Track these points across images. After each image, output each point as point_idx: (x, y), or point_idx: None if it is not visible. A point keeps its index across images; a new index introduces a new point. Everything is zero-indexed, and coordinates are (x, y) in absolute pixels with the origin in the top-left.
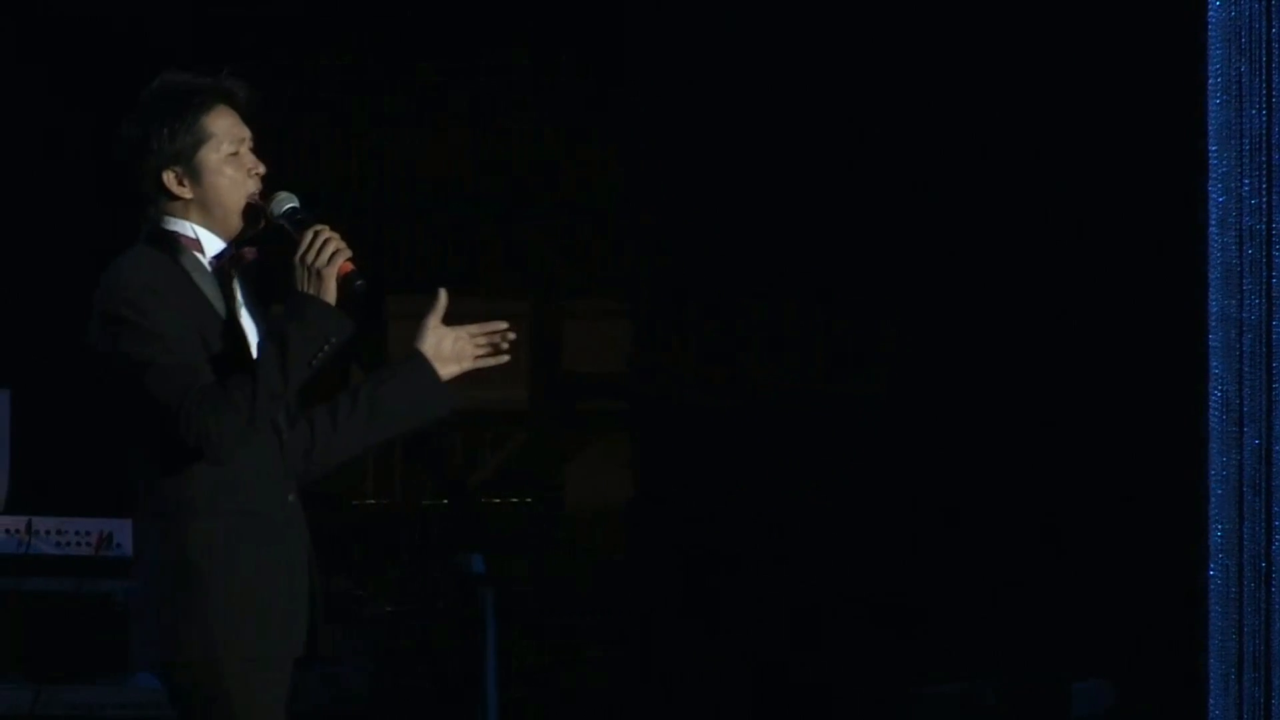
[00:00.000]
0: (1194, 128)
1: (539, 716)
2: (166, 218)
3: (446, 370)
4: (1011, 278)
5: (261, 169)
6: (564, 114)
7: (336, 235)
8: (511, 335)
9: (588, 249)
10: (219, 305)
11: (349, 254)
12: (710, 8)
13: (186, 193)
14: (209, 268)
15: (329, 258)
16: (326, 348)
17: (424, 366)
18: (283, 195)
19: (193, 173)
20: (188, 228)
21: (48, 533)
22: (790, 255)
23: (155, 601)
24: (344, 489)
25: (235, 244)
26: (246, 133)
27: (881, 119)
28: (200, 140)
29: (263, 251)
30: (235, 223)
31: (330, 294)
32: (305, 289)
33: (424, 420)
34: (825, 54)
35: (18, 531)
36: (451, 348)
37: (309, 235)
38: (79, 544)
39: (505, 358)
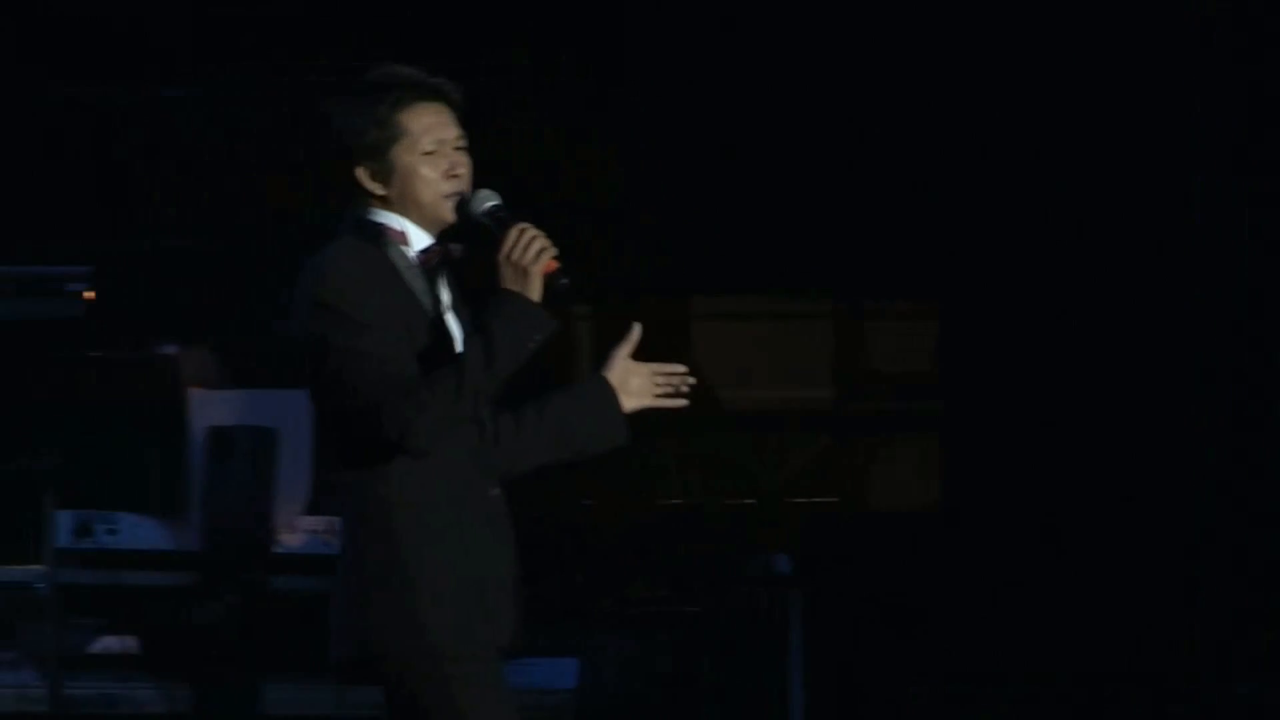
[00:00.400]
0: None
1: (844, 718)
2: (373, 210)
3: (628, 403)
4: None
5: (461, 170)
6: (564, 114)
7: (541, 233)
8: (691, 380)
9: (588, 249)
10: (425, 300)
11: (554, 252)
12: (710, 8)
13: (380, 189)
14: (415, 262)
15: (535, 255)
16: (530, 345)
17: (610, 396)
18: (484, 193)
19: (386, 170)
20: (395, 220)
21: (325, 532)
22: (792, 253)
23: (361, 596)
24: (647, 489)
25: (441, 240)
26: (450, 132)
27: (881, 118)
28: (394, 138)
29: (468, 249)
30: (435, 220)
31: (535, 292)
32: (511, 286)
33: (598, 449)
34: (825, 52)
35: (323, 532)
36: (636, 383)
37: (513, 233)
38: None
39: (683, 402)
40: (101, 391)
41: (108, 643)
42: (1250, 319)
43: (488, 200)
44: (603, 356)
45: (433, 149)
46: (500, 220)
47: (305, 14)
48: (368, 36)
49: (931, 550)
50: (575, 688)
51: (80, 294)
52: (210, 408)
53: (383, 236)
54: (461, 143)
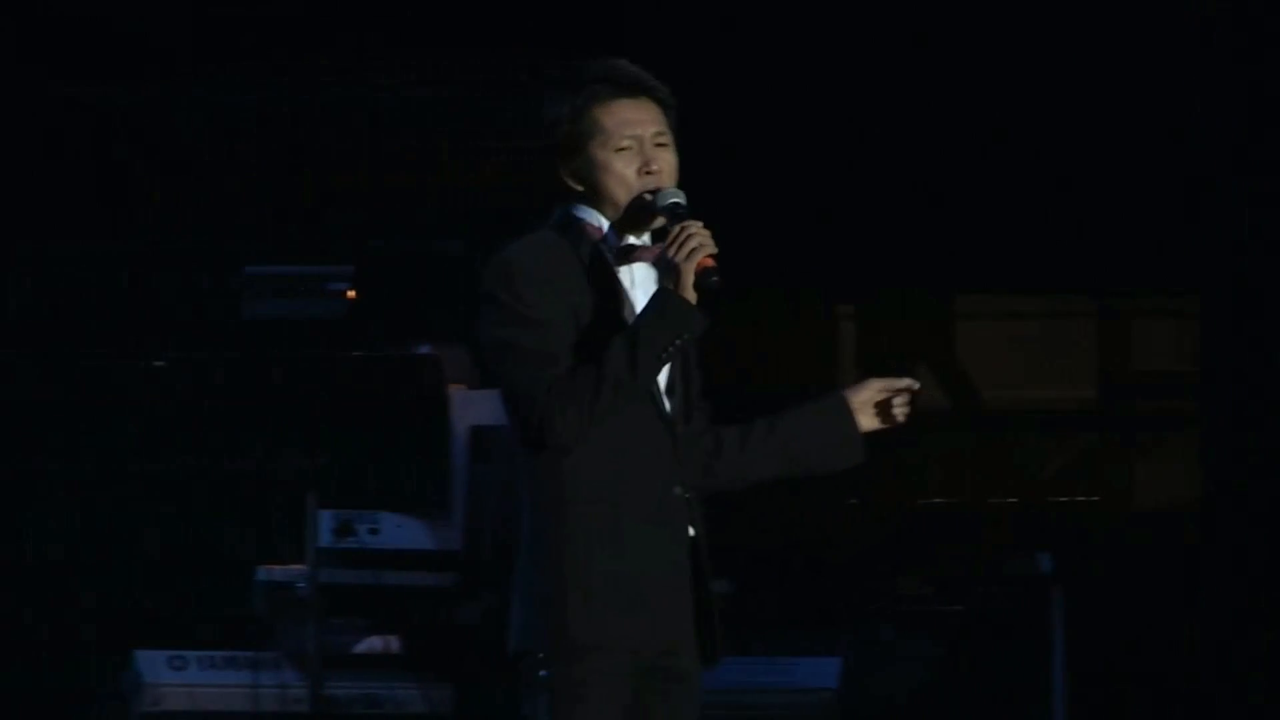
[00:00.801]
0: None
1: (1107, 717)
2: (575, 205)
3: (864, 423)
4: None
5: (656, 166)
6: None
7: (704, 232)
8: (910, 393)
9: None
10: (612, 299)
11: (711, 250)
12: (710, 8)
13: (578, 185)
14: (611, 259)
15: (689, 253)
16: (679, 342)
17: (847, 415)
18: (669, 190)
19: (582, 165)
20: (595, 217)
21: None
22: (1055, 253)
23: (516, 590)
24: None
25: (634, 235)
26: (648, 129)
27: (881, 117)
28: (589, 134)
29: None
30: (630, 216)
31: (687, 289)
32: (665, 283)
33: (832, 468)
34: (825, 52)
35: None
36: (871, 401)
37: (676, 229)
38: None
39: (901, 419)
40: (363, 391)
41: (369, 643)
42: None
43: (670, 197)
44: (867, 355)
45: (627, 145)
46: (677, 217)
47: (304, 14)
48: (364, 36)
49: (1193, 549)
50: (838, 687)
51: (343, 293)
52: (472, 407)
53: (576, 231)
54: (662, 139)
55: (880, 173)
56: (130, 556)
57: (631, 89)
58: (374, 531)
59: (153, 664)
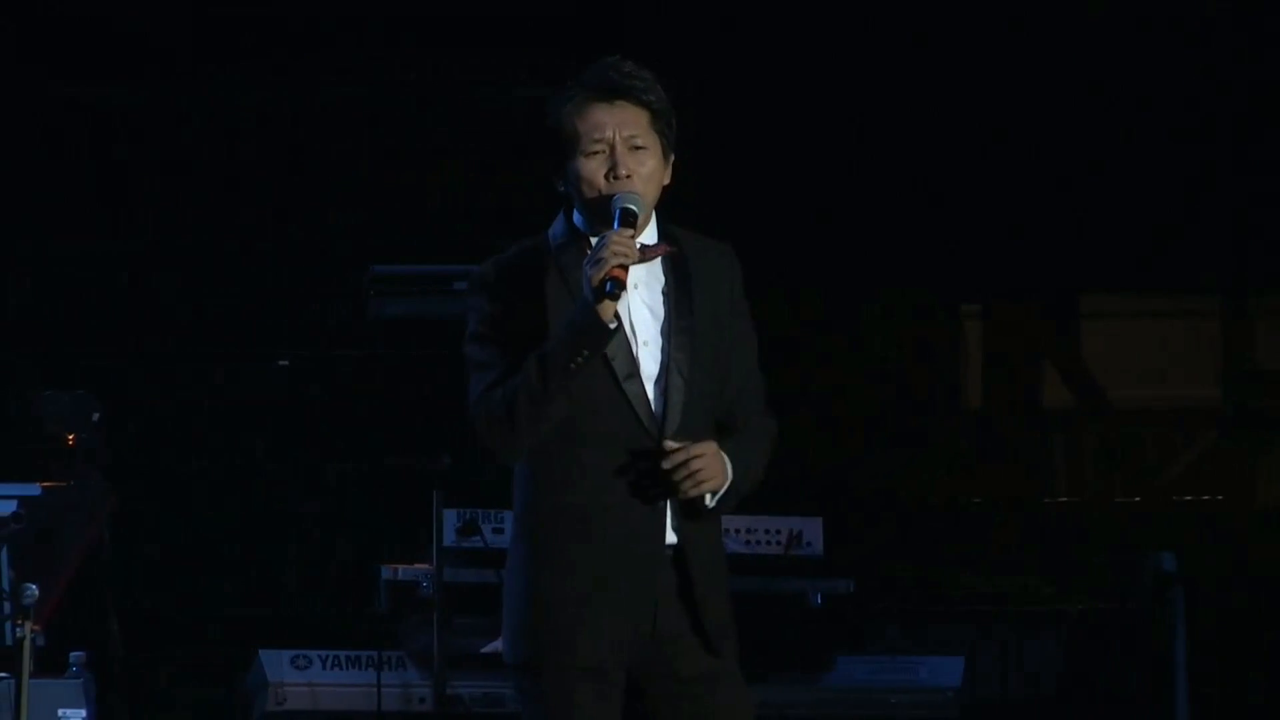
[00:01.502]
0: None
1: (1230, 717)
2: (573, 209)
3: None
4: None
5: (625, 171)
6: None
7: (624, 241)
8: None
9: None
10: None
11: (622, 260)
12: (710, 8)
13: (563, 188)
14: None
15: (598, 262)
16: (586, 353)
17: None
18: (625, 194)
19: (566, 171)
20: (581, 222)
21: (737, 531)
22: (1181, 251)
23: (503, 598)
24: (1036, 486)
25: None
26: (622, 133)
27: (881, 116)
28: (568, 139)
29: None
30: (599, 220)
31: (592, 298)
32: (584, 290)
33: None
34: (825, 51)
35: (743, 531)
36: None
37: (598, 239)
38: (768, 542)
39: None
40: None
41: (492, 642)
42: None
43: (621, 202)
44: (993, 354)
45: (596, 149)
46: (624, 223)
47: (305, 14)
48: (367, 37)
49: None
50: (961, 686)
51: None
52: None
53: (569, 237)
54: (637, 143)
55: (1006, 173)
56: (268, 555)
57: (607, 92)
58: (498, 530)
59: (277, 663)
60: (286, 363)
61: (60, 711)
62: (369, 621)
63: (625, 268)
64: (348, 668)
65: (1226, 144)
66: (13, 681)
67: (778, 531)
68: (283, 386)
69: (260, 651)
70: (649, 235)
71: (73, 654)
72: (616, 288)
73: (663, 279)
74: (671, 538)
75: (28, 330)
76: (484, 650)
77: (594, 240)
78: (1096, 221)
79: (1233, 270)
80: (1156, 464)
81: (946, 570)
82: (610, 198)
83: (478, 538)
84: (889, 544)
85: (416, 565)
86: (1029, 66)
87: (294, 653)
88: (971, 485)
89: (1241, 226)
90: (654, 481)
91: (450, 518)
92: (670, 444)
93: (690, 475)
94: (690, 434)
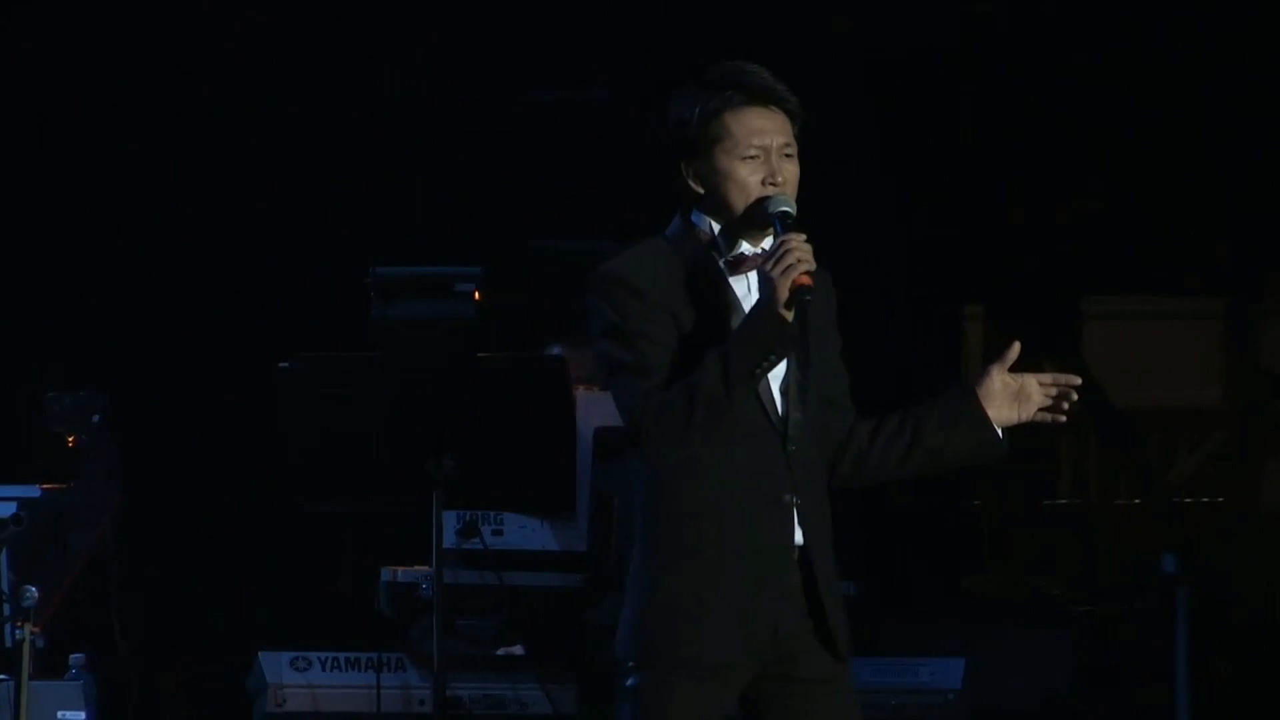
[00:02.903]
0: None
1: (1232, 718)
2: (694, 209)
3: (1001, 414)
4: None
5: (780, 178)
6: None
7: (804, 247)
8: (1077, 390)
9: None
10: (721, 307)
11: (808, 267)
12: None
13: (699, 188)
14: (723, 267)
15: (785, 268)
16: (771, 358)
17: (975, 408)
18: (779, 198)
19: (705, 170)
20: (706, 223)
21: None
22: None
23: (626, 596)
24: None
25: (751, 243)
26: (776, 140)
27: (881, 112)
28: (716, 139)
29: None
30: (745, 225)
31: (780, 305)
32: (763, 296)
33: (970, 460)
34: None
35: None
36: (1004, 390)
37: (776, 243)
38: None
39: (1063, 418)
40: (490, 392)
41: (493, 644)
42: None
43: (780, 205)
44: (992, 356)
45: (754, 154)
46: (784, 228)
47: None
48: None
49: None
50: (962, 687)
51: (471, 294)
52: (597, 408)
53: (691, 239)
54: (789, 151)
55: (1008, 172)
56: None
57: (764, 98)
58: (498, 532)
59: (276, 665)
60: (287, 365)
61: (60, 714)
62: (369, 623)
63: (809, 274)
64: (347, 669)
65: (1230, 144)
66: (12, 684)
67: None
68: (284, 388)
69: (260, 653)
70: (767, 241)
71: (73, 656)
72: (805, 293)
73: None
74: (799, 537)
75: (36, 330)
76: (499, 653)
77: (719, 238)
78: (1100, 223)
79: (1237, 272)
80: (1160, 466)
81: (949, 572)
82: (760, 202)
83: (477, 540)
84: (892, 546)
85: (417, 567)
86: (1031, 62)
87: (293, 654)
88: (975, 487)
89: (1245, 228)
90: (783, 480)
91: (450, 519)
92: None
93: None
94: (810, 431)
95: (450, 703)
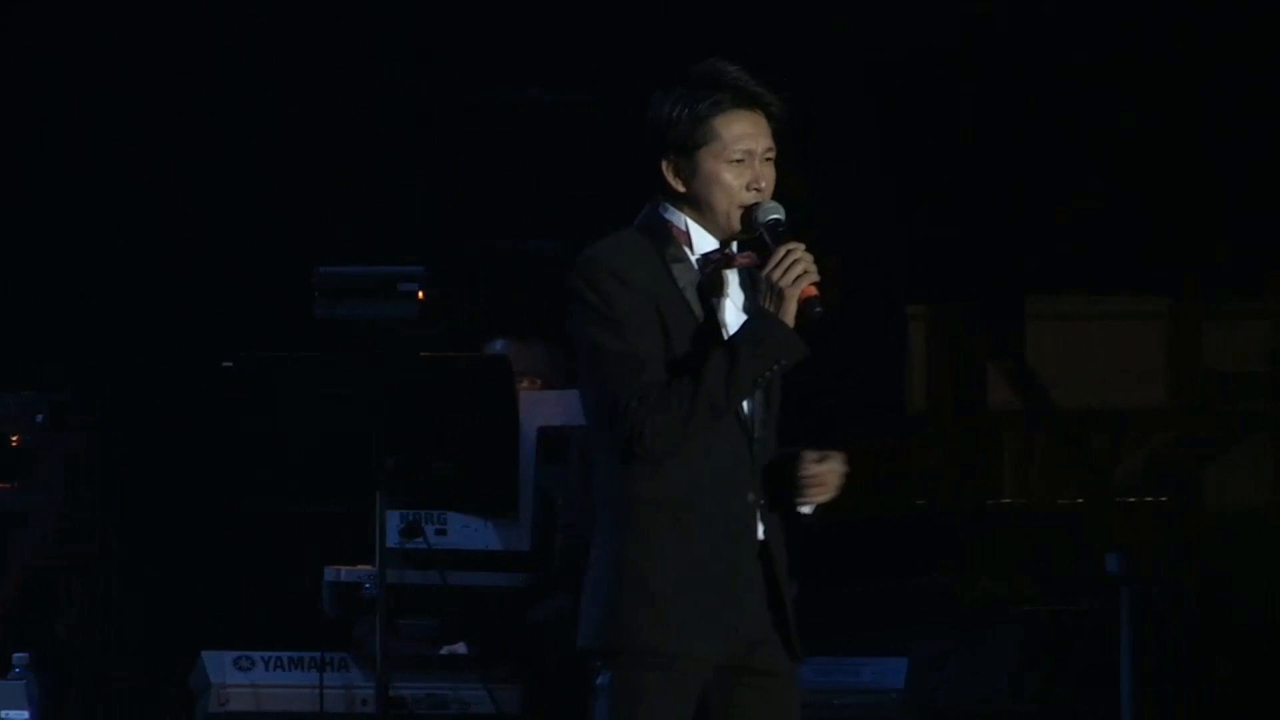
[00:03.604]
0: None
1: (1176, 718)
2: (666, 205)
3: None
4: None
5: (764, 183)
6: None
7: (808, 257)
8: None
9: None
10: (695, 303)
11: (815, 278)
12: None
13: (680, 186)
14: (695, 264)
15: (794, 279)
16: (775, 368)
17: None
18: (770, 205)
19: (689, 169)
20: (681, 220)
21: None
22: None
23: (585, 588)
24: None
25: (726, 246)
26: (762, 145)
27: (948, 117)
28: (703, 140)
29: (758, 258)
30: (727, 226)
31: (789, 314)
32: (766, 305)
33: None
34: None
35: None
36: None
37: (780, 252)
38: None
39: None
40: (433, 391)
41: (436, 643)
42: None
43: (771, 213)
44: (935, 357)
45: (740, 158)
46: (777, 235)
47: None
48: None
49: (1266, 551)
50: (905, 688)
51: (415, 294)
52: (541, 407)
53: (665, 233)
54: (770, 155)
55: (951, 172)
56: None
57: (749, 101)
58: (442, 532)
59: (219, 664)
60: (231, 364)
61: (3, 713)
62: (312, 623)
63: (816, 284)
64: (290, 669)
65: (1173, 144)
66: None
67: None
68: (227, 388)
69: (203, 653)
70: (712, 244)
71: (16, 655)
72: (815, 304)
73: (742, 286)
74: (761, 534)
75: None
76: (443, 652)
77: (693, 234)
78: (1043, 223)
79: (1179, 272)
80: (1103, 466)
81: (891, 572)
82: (747, 208)
83: (421, 539)
84: (835, 545)
85: (360, 567)
86: (980, 62)
87: (237, 654)
88: (917, 487)
89: (1188, 228)
90: (748, 477)
91: (394, 519)
92: (813, 466)
93: (821, 485)
94: (771, 433)
95: (394, 702)
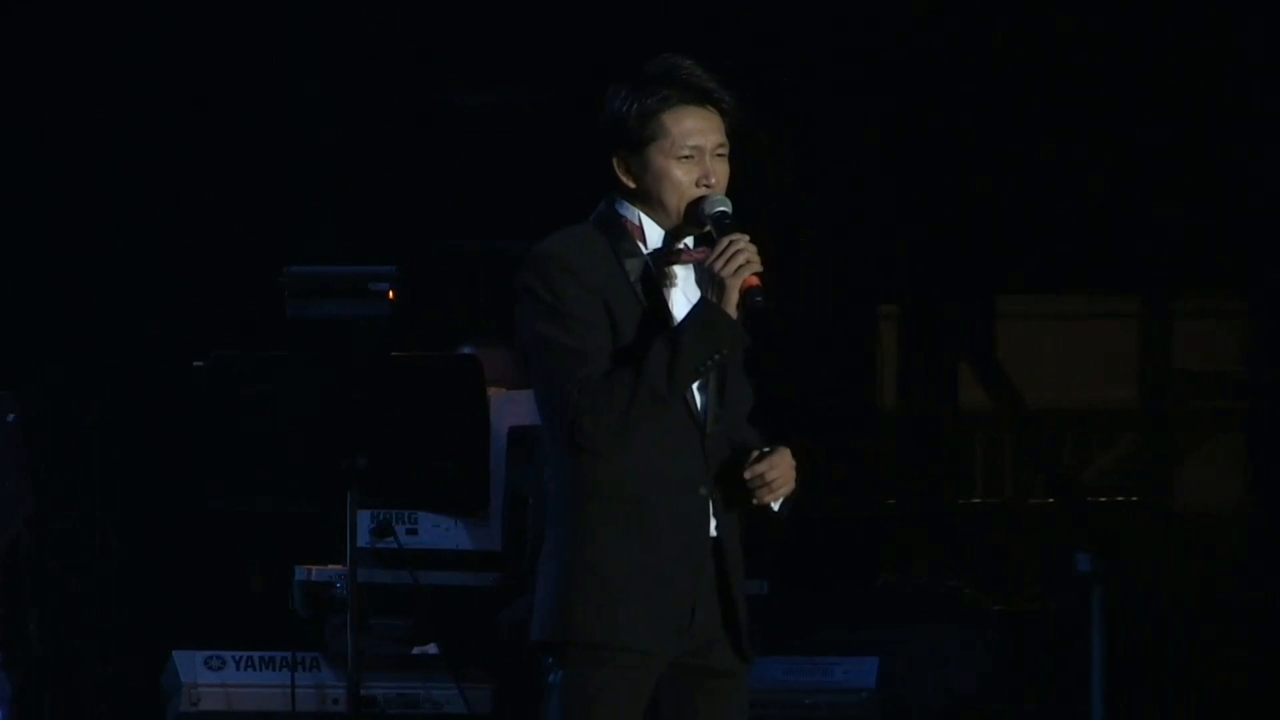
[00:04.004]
0: None
1: (1143, 717)
2: (620, 200)
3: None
4: None
5: (713, 179)
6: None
7: (750, 248)
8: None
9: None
10: (644, 297)
11: (757, 268)
12: None
13: (630, 182)
14: (647, 258)
15: (736, 268)
16: (717, 357)
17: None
18: (717, 198)
19: (638, 165)
20: (634, 214)
21: None
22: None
23: (541, 582)
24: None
25: (677, 240)
26: (712, 141)
27: (920, 118)
28: (652, 136)
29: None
30: (677, 221)
31: (730, 304)
32: (709, 295)
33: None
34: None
35: None
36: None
37: (723, 243)
38: None
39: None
40: (404, 391)
41: (407, 643)
42: None
43: (717, 205)
44: (906, 356)
45: (689, 154)
46: (722, 227)
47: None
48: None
49: (1236, 549)
50: (876, 686)
51: (385, 294)
52: (511, 408)
53: (618, 228)
54: (722, 151)
55: (923, 172)
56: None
57: (701, 97)
58: (413, 532)
59: (190, 664)
60: (202, 364)
61: None
62: (283, 622)
63: (759, 274)
64: (262, 668)
65: (1143, 145)
66: None
67: None
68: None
69: (174, 653)
70: (690, 237)
71: None
72: (756, 294)
73: (698, 281)
74: (714, 530)
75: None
76: (414, 652)
77: (646, 230)
78: (1013, 223)
79: (1149, 271)
80: (1074, 464)
81: (863, 571)
82: (694, 202)
83: (392, 539)
84: (805, 544)
85: (331, 566)
86: (949, 65)
87: (208, 653)
88: (888, 486)
89: (1158, 227)
90: (700, 473)
91: (365, 519)
92: (758, 466)
93: (767, 484)
94: (728, 427)
95: (365, 702)
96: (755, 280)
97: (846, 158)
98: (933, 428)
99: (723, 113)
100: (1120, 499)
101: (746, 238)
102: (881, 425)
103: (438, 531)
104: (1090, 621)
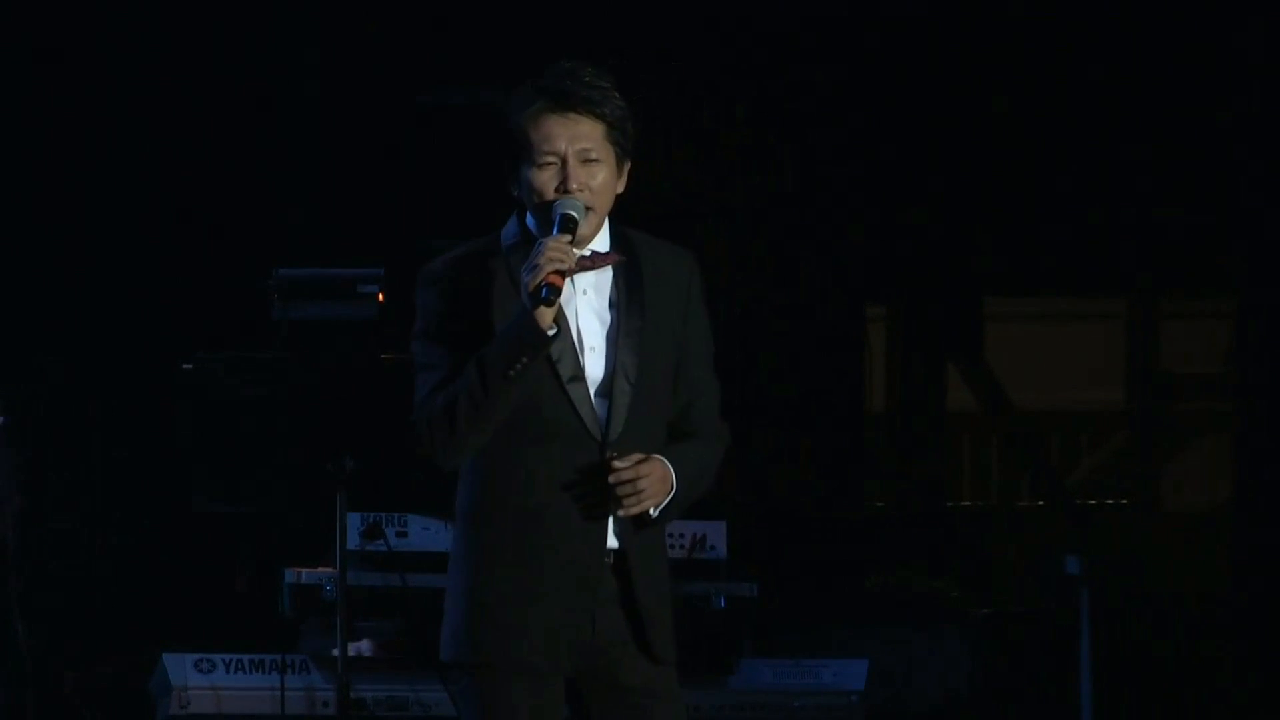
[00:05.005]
0: None
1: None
2: (520, 210)
3: None
4: None
5: (575, 185)
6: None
7: (561, 247)
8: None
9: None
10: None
11: (558, 266)
12: None
13: (515, 193)
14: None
15: (532, 268)
16: (524, 360)
17: None
18: (567, 201)
19: (516, 177)
20: (529, 224)
21: None
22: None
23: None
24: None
25: (575, 246)
26: (576, 146)
27: (911, 118)
28: (521, 147)
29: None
30: (547, 230)
31: (529, 305)
32: (521, 297)
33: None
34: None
35: None
36: None
37: (536, 246)
38: (672, 546)
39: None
40: (393, 393)
41: (396, 645)
42: None
43: (562, 209)
44: (894, 356)
45: (549, 161)
46: (564, 230)
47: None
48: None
49: (1224, 551)
50: (865, 689)
51: (374, 296)
52: None
53: (519, 238)
54: (590, 156)
55: (911, 174)
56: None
57: (561, 104)
58: (402, 534)
59: (180, 667)
60: (190, 365)
61: None
62: (273, 624)
63: (562, 274)
64: (251, 671)
65: (1132, 147)
66: None
67: (681, 535)
68: (186, 388)
69: (163, 655)
70: (601, 242)
71: None
72: (551, 294)
73: (613, 285)
74: (613, 543)
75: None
76: (385, 652)
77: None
78: (1002, 224)
79: (1138, 274)
80: (1062, 467)
81: (852, 573)
82: (551, 205)
83: (381, 541)
84: (794, 547)
85: (320, 569)
86: (938, 61)
87: (197, 656)
88: (876, 488)
89: (1146, 230)
90: (597, 487)
91: (354, 521)
92: (617, 462)
93: (634, 492)
94: (636, 440)
95: (354, 704)
96: (555, 279)
97: (836, 158)
98: (921, 429)
99: (596, 117)
100: (1108, 500)
101: (566, 238)
102: (870, 425)
103: (427, 534)
104: (1079, 623)
